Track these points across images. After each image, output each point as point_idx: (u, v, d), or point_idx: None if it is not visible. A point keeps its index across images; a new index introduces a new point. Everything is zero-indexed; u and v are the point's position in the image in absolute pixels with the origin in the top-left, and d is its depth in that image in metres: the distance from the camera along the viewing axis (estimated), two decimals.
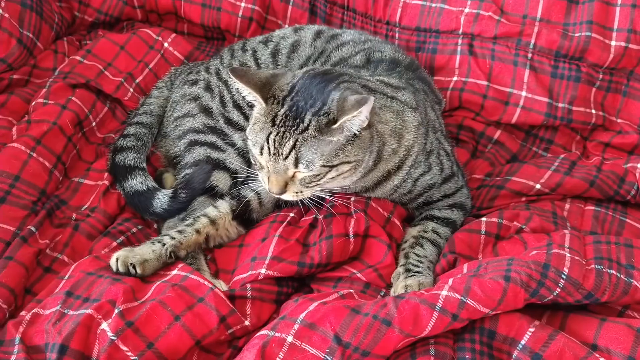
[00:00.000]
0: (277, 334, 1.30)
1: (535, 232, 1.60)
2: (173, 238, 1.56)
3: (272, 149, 1.44)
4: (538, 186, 1.76)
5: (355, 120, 1.43)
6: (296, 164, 1.43)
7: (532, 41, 2.00)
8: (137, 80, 2.12)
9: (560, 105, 2.01)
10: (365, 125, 1.45)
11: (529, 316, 1.34)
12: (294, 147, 1.42)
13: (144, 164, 1.85)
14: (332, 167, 1.46)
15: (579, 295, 1.35)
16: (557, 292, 1.33)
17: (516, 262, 1.36)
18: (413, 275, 1.52)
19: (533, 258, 1.37)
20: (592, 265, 1.41)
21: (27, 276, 1.51)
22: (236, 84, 1.50)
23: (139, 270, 1.49)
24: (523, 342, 1.29)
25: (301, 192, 1.50)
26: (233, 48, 1.98)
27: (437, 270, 1.58)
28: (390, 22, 2.22)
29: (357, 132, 1.45)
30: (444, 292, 1.31)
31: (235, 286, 1.53)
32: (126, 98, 2.07)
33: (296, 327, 1.31)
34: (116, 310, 1.36)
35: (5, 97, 1.88)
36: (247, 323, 1.44)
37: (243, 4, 2.32)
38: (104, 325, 1.34)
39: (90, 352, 1.32)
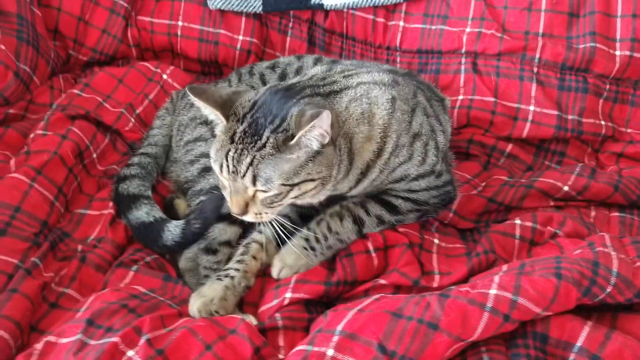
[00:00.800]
0: (316, 348, 1.19)
1: (569, 236, 1.54)
2: (237, 269, 1.52)
3: (230, 167, 1.36)
4: (566, 188, 1.71)
5: (313, 134, 1.32)
6: (254, 182, 1.35)
7: (537, 55, 2.00)
8: (138, 111, 2.05)
9: (569, 117, 2.00)
10: (327, 140, 1.35)
11: (580, 317, 1.26)
12: (251, 164, 1.33)
13: (149, 193, 1.75)
14: (293, 185, 1.36)
15: (629, 294, 1.28)
16: (609, 290, 1.26)
17: (565, 259, 1.29)
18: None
19: (580, 256, 1.31)
20: (638, 264, 1.35)
21: (33, 310, 1.39)
22: (196, 102, 1.41)
23: (222, 313, 1.43)
24: (579, 344, 1.21)
25: (262, 213, 1.41)
26: (240, 72, 1.94)
27: (465, 269, 1.48)
28: (390, 47, 2.22)
29: (318, 149, 1.35)
30: (493, 291, 1.22)
31: (263, 318, 1.44)
32: (127, 128, 2.00)
33: (335, 338, 1.20)
34: (143, 338, 1.26)
35: (2, 131, 1.80)
36: (281, 357, 1.33)
37: (241, 37, 2.30)
38: (130, 353, 1.23)
39: None
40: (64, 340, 1.27)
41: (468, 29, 2.08)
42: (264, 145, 1.33)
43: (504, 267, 1.38)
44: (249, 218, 1.42)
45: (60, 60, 2.18)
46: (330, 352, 1.18)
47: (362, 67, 1.61)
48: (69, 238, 1.63)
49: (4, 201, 1.56)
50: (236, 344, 1.30)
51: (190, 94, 1.40)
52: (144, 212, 1.68)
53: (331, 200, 1.57)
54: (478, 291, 1.24)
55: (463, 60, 2.08)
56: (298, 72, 1.86)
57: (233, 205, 1.40)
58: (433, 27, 2.14)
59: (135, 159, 1.83)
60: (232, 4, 2.27)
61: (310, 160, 1.35)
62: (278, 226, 1.46)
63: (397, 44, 2.19)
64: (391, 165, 1.52)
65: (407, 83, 1.59)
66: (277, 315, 1.41)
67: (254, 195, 1.38)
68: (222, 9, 2.28)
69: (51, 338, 1.28)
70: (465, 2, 2.11)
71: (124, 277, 1.52)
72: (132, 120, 2.03)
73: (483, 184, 1.83)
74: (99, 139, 1.90)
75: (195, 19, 2.32)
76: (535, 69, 2.01)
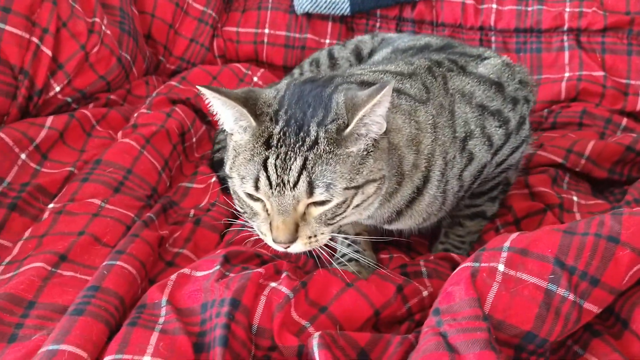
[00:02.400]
0: (485, 264, 1.05)
1: None
2: None
3: (273, 177, 1.04)
4: None
5: (375, 116, 1.06)
6: (310, 192, 1.04)
7: None
8: None
9: None
10: (384, 128, 1.10)
11: None
12: (303, 168, 1.03)
13: None
14: (357, 188, 1.08)
15: None
16: None
17: None
18: None
19: None
20: None
21: (154, 257, 1.29)
22: (216, 100, 1.07)
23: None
24: None
25: (317, 235, 1.09)
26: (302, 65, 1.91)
27: None
28: (484, 27, 2.17)
29: (376, 139, 1.10)
30: None
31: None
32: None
33: (505, 254, 1.05)
34: (284, 274, 1.17)
35: (106, 110, 1.77)
36: (425, 293, 1.21)
37: (327, 40, 2.30)
38: (273, 284, 1.12)
39: (253, 315, 1.08)
40: (200, 274, 1.17)
41: (568, 9, 2.03)
42: (315, 142, 1.05)
43: None
44: (297, 248, 1.09)
45: (153, 61, 2.20)
46: (501, 267, 1.04)
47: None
48: (177, 206, 1.55)
49: (117, 162, 1.51)
50: (379, 281, 1.20)
51: (208, 92, 1.06)
52: None
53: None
54: None
55: (565, 37, 2.02)
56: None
57: (280, 232, 1.05)
58: (529, 9, 2.10)
59: (221, 135, 1.81)
60: (320, 6, 2.28)
61: (371, 154, 1.09)
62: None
63: (492, 23, 2.14)
64: (451, 176, 1.28)
65: (435, 86, 1.30)
66: (421, 261, 1.34)
67: (304, 214, 1.08)
68: (309, 12, 2.29)
69: (185, 271, 1.18)
70: None
71: (249, 238, 1.42)
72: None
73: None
74: (197, 125, 1.86)
75: (281, 26, 2.33)
76: None
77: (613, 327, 1.08)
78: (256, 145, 1.06)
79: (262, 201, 1.07)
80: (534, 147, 1.75)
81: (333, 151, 1.05)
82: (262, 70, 2.26)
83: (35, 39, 1.63)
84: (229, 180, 1.12)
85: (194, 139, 1.83)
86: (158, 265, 1.34)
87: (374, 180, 1.10)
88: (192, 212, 1.52)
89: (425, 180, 1.23)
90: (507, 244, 1.08)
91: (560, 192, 1.54)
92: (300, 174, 1.03)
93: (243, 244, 1.40)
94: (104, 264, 1.17)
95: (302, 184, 1.03)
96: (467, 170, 1.30)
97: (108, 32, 1.86)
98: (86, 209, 1.35)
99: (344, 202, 1.07)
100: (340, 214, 1.09)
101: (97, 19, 1.83)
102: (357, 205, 1.10)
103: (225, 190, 1.59)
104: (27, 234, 1.30)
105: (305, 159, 1.04)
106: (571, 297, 1.01)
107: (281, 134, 1.06)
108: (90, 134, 1.69)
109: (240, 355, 1.02)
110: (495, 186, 1.43)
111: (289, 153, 1.04)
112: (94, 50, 1.79)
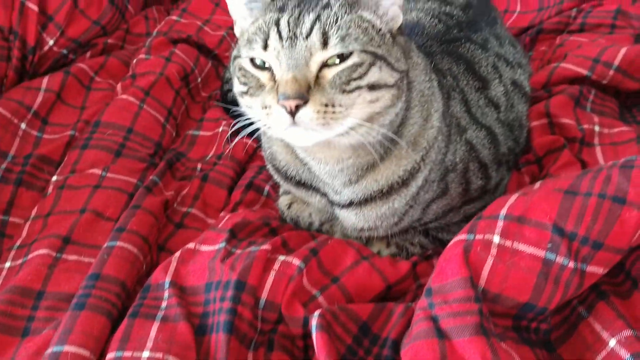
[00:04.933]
0: (479, 236, 1.00)
1: None
2: None
3: (284, 32, 0.97)
4: None
5: None
6: (325, 42, 0.97)
7: None
8: None
9: None
10: (399, 20, 1.05)
11: None
12: (317, 19, 0.98)
13: None
14: (375, 57, 0.99)
15: None
16: None
17: None
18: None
19: None
20: None
21: (158, 226, 1.30)
22: None
23: None
24: None
25: (335, 105, 0.96)
26: None
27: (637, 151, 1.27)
28: None
29: (390, 31, 1.05)
30: None
31: None
32: (228, 54, 1.89)
33: (500, 224, 1.00)
34: (304, 246, 1.16)
35: (103, 59, 1.73)
36: None
37: None
38: (282, 257, 1.11)
39: (261, 290, 1.08)
40: (206, 248, 1.17)
41: None
42: (327, 3, 1.01)
43: None
44: (307, 114, 0.95)
45: None
46: (496, 238, 0.99)
47: None
48: (185, 158, 1.54)
49: (116, 122, 1.49)
50: (395, 261, 1.19)
51: None
52: None
53: None
54: None
55: None
56: None
57: (288, 86, 0.93)
58: None
59: (228, 74, 1.73)
60: None
61: (386, 37, 1.03)
62: None
63: None
64: (421, 201, 1.19)
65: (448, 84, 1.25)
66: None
67: (317, 77, 0.97)
68: None
69: (190, 245, 1.18)
70: None
71: (257, 201, 1.41)
72: (233, 45, 1.92)
73: None
74: (202, 63, 1.80)
75: None
76: None
77: (622, 284, 1.03)
78: (269, 12, 1.01)
79: (269, 70, 1.00)
80: (557, 60, 1.61)
81: (347, 11, 1.00)
82: None
83: None
84: (231, 66, 1.08)
85: (199, 79, 1.78)
86: (167, 228, 1.35)
87: (392, 66, 1.02)
88: (199, 166, 1.50)
89: (414, 170, 1.15)
90: (503, 211, 1.02)
91: (583, 118, 1.42)
92: (313, 25, 0.97)
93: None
94: (105, 245, 1.19)
95: (316, 34, 0.97)
96: (435, 204, 1.21)
97: None
98: (87, 180, 1.36)
99: (360, 64, 0.98)
100: (356, 80, 0.97)
101: None
102: (373, 88, 0.99)
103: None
104: (33, 212, 1.32)
105: (319, 15, 0.99)
106: (571, 264, 0.96)
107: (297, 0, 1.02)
108: (89, 87, 1.67)
109: (247, 335, 1.04)
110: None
111: (302, 12, 1.00)
112: None
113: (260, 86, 1.01)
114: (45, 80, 1.58)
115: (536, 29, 1.83)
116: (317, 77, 0.97)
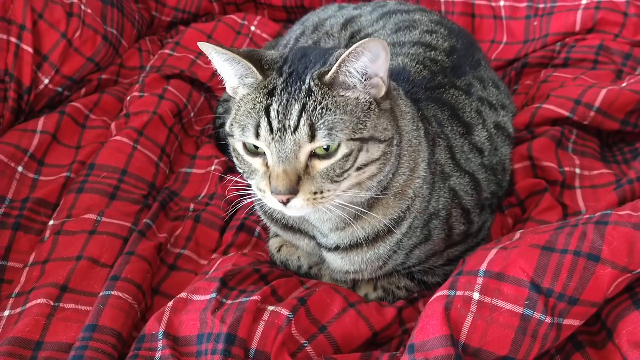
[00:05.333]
0: (460, 292, 1.06)
1: None
2: None
3: (274, 122, 1.02)
4: None
5: (357, 65, 1.03)
6: (312, 135, 1.02)
7: None
8: None
9: None
10: (382, 90, 1.08)
11: None
12: (303, 110, 1.02)
13: None
14: (362, 142, 1.05)
15: None
16: None
17: None
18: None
19: None
20: None
21: (152, 272, 1.34)
22: (220, 56, 1.07)
23: None
24: None
25: (323, 192, 1.04)
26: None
27: (615, 199, 1.31)
28: None
29: (372, 97, 1.08)
30: None
31: None
32: (220, 86, 1.92)
33: (480, 280, 1.05)
34: (292, 295, 1.21)
35: (97, 97, 1.76)
36: None
37: None
38: (271, 307, 1.15)
39: (250, 341, 1.11)
40: (198, 298, 1.21)
41: None
42: (309, 89, 1.04)
43: None
44: (297, 204, 1.04)
45: (144, 22, 2.12)
46: (476, 295, 1.04)
47: None
48: (178, 197, 1.57)
49: (110, 164, 1.52)
50: (381, 307, 1.24)
51: (211, 48, 1.07)
52: None
53: None
54: None
55: None
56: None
57: (279, 181, 1.01)
58: None
59: (221, 109, 1.79)
60: None
61: (372, 110, 1.07)
62: None
63: None
64: (405, 246, 1.25)
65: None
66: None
67: (306, 167, 1.04)
68: None
69: (183, 295, 1.21)
70: None
71: (249, 242, 1.45)
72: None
73: (624, 84, 1.59)
74: (195, 97, 1.83)
75: None
76: None
77: (598, 334, 1.09)
78: (259, 96, 1.07)
79: (262, 156, 1.07)
80: (541, 98, 1.65)
81: (329, 97, 1.04)
82: (258, 17, 2.17)
83: (13, 39, 1.60)
84: (229, 138, 1.13)
85: (192, 114, 1.81)
86: (161, 270, 1.39)
87: (379, 140, 1.08)
88: (191, 206, 1.54)
89: (399, 218, 1.21)
90: (483, 266, 1.08)
91: (564, 160, 1.47)
92: (300, 116, 1.03)
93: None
94: (100, 294, 1.23)
95: (303, 127, 1.02)
96: (418, 249, 1.26)
97: (89, 10, 1.79)
98: (83, 226, 1.39)
99: (349, 155, 1.04)
100: (347, 170, 1.06)
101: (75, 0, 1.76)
102: (361, 167, 1.07)
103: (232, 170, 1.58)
104: (31, 258, 1.36)
105: (304, 104, 1.03)
106: (548, 319, 1.01)
107: (284, 84, 1.06)
108: (84, 126, 1.70)
109: None
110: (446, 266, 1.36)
111: (290, 100, 1.04)
112: (77, 35, 1.74)
113: (254, 171, 1.09)
114: (40, 121, 1.61)
115: (522, 62, 1.87)
116: (307, 165, 1.04)
